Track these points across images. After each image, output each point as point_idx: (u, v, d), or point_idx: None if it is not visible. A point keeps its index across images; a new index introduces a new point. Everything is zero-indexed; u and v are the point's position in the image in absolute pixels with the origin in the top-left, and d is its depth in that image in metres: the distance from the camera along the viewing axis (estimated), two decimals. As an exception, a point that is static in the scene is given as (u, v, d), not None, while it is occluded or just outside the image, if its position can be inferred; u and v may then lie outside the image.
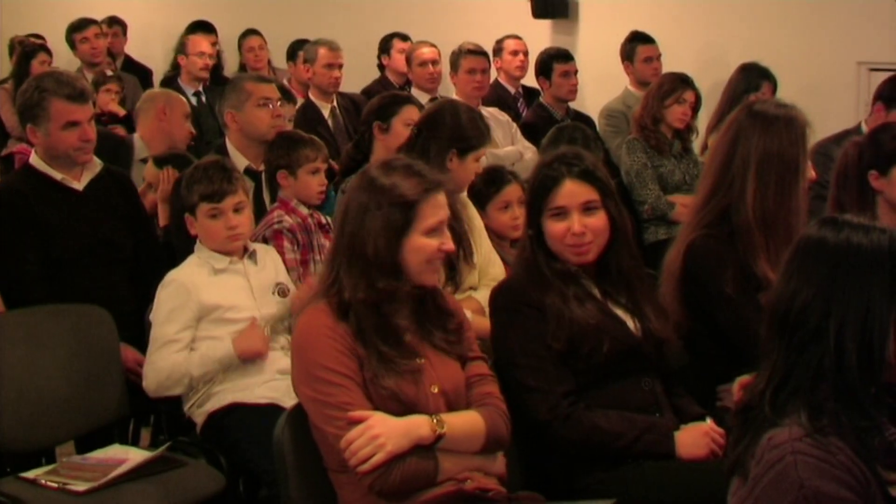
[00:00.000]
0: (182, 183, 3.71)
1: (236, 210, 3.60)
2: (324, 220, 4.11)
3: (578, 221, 2.94)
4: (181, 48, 7.33)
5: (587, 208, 2.96)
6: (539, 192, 3.00)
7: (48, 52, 7.23)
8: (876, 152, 3.65)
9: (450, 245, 2.69)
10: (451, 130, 3.94)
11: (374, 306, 2.61)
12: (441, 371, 2.67)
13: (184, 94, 6.67)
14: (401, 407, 2.57)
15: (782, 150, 3.26)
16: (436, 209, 2.66)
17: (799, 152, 3.28)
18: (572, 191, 2.96)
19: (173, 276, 3.57)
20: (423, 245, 2.64)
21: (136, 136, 5.31)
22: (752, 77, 5.74)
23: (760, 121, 3.30)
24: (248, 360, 3.48)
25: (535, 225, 3.02)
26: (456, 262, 3.49)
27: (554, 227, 2.97)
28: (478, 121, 4.04)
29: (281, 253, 3.86)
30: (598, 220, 2.96)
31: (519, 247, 3.19)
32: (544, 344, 2.88)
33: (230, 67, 8.23)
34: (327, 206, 4.33)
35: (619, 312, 3.01)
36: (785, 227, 3.23)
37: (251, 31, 8.09)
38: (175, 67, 7.46)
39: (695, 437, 2.90)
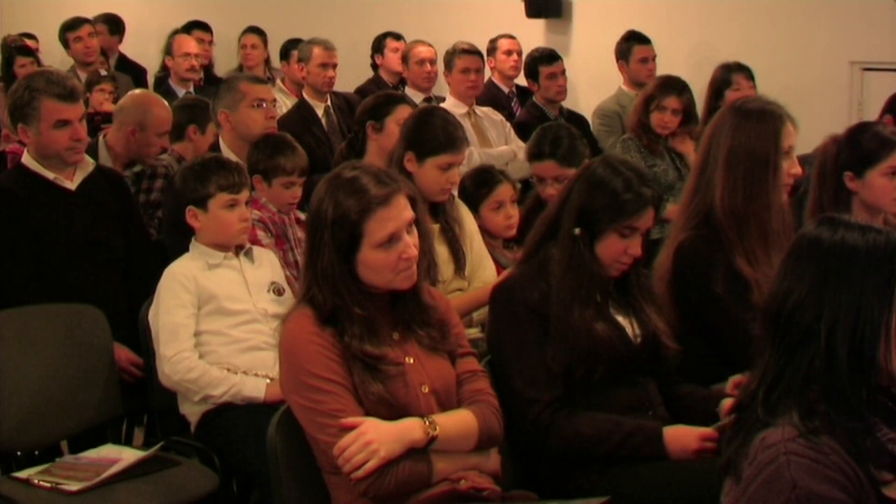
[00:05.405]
0: (186, 175, 3.67)
1: (246, 204, 3.64)
2: (301, 216, 4.07)
3: (640, 245, 2.95)
4: (168, 49, 7.30)
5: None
6: (626, 210, 2.91)
7: (30, 53, 7.20)
8: (852, 153, 3.54)
9: (411, 252, 2.60)
10: (408, 131, 3.85)
11: (347, 311, 2.57)
12: (430, 370, 2.65)
13: (174, 94, 6.66)
14: (392, 410, 2.56)
15: (751, 145, 3.22)
16: (384, 223, 2.56)
17: (770, 147, 3.23)
18: (649, 217, 2.95)
19: (171, 268, 3.56)
20: (378, 259, 2.58)
21: (101, 139, 5.07)
22: (728, 73, 5.72)
23: (732, 116, 3.28)
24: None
25: (591, 230, 2.95)
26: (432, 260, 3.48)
27: (617, 244, 2.94)
28: (446, 128, 3.81)
29: (257, 242, 3.85)
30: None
31: (526, 245, 3.11)
32: (538, 349, 2.87)
33: (226, 66, 8.20)
34: None
35: (620, 319, 3.01)
36: (757, 223, 3.21)
37: (251, 30, 8.06)
38: (164, 69, 7.44)
39: (683, 438, 2.87)
